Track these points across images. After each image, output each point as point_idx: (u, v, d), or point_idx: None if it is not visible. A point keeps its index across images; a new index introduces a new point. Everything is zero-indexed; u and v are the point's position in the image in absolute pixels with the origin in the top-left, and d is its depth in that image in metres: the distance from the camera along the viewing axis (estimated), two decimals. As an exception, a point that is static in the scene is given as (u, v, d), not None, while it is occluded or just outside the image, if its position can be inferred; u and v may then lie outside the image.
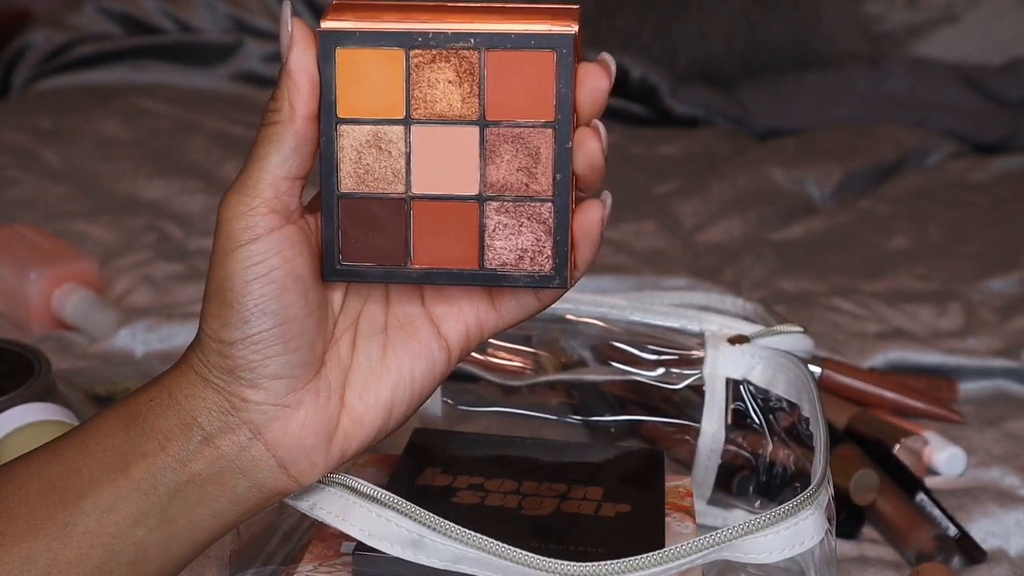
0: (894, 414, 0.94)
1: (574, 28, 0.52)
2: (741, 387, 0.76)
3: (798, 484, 0.75)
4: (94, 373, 0.93)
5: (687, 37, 1.82)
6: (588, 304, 0.80)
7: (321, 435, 0.55)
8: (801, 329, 0.75)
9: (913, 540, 0.78)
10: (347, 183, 0.54)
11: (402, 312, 0.57)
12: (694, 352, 0.78)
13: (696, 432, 0.78)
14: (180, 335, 1.03)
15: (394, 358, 0.56)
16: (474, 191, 0.54)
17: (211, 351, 0.53)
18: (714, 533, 0.57)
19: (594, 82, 0.53)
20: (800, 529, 0.58)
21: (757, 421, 0.76)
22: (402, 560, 0.56)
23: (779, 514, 0.57)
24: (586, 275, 0.56)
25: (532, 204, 0.54)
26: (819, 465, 0.61)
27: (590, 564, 0.55)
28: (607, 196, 0.55)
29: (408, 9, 0.53)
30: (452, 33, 0.52)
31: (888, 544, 0.81)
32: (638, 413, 0.83)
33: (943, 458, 0.88)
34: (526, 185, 0.54)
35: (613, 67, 0.53)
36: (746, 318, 0.79)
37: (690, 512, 0.69)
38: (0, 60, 1.83)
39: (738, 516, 0.77)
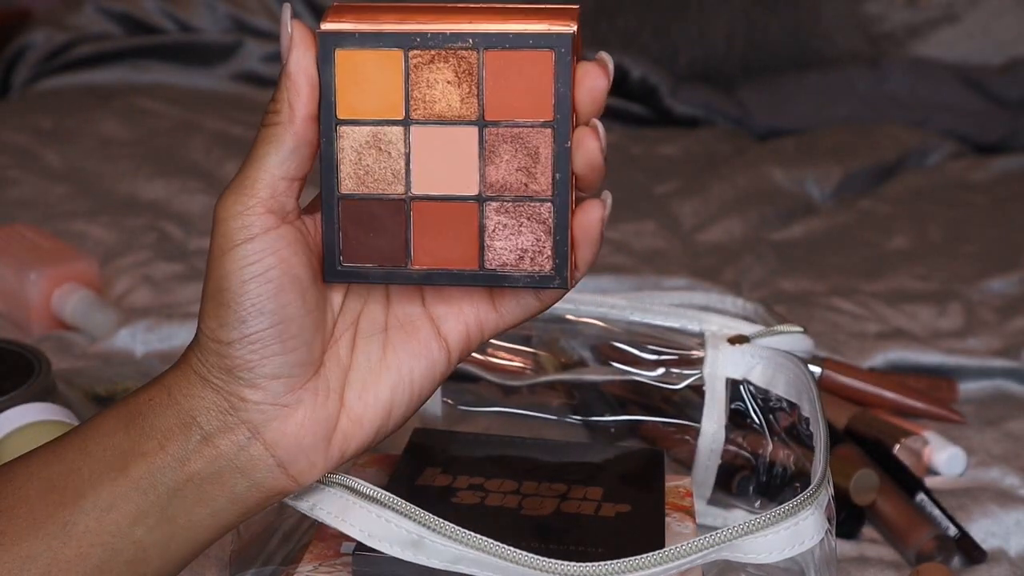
0: (894, 414, 0.93)
1: (572, 27, 0.52)
2: (741, 387, 0.76)
3: (798, 484, 0.75)
4: (94, 373, 0.93)
5: (687, 37, 1.82)
6: (588, 304, 0.80)
7: (320, 435, 0.55)
8: (801, 329, 0.75)
9: (913, 540, 0.78)
10: (347, 184, 0.54)
11: (402, 312, 0.57)
12: (694, 352, 0.78)
13: (696, 432, 0.78)
14: (180, 335, 1.03)
15: (394, 358, 0.56)
16: (474, 191, 0.54)
17: (209, 351, 0.53)
18: (714, 533, 0.57)
19: (593, 81, 0.53)
20: (800, 529, 0.57)
21: (757, 421, 0.76)
22: (402, 560, 0.56)
23: (779, 514, 0.57)
24: (586, 275, 0.56)
25: (532, 204, 0.54)
26: (819, 465, 0.61)
27: (590, 564, 0.55)
28: (607, 196, 0.55)
29: (407, 10, 0.53)
30: (450, 33, 0.52)
31: (888, 544, 0.81)
32: (638, 413, 0.83)
33: (943, 458, 0.88)
34: (525, 185, 0.53)
35: (611, 66, 0.53)
36: (746, 318, 0.79)
37: (690, 512, 0.69)
38: (0, 60, 1.83)
39: (738, 516, 0.77)
